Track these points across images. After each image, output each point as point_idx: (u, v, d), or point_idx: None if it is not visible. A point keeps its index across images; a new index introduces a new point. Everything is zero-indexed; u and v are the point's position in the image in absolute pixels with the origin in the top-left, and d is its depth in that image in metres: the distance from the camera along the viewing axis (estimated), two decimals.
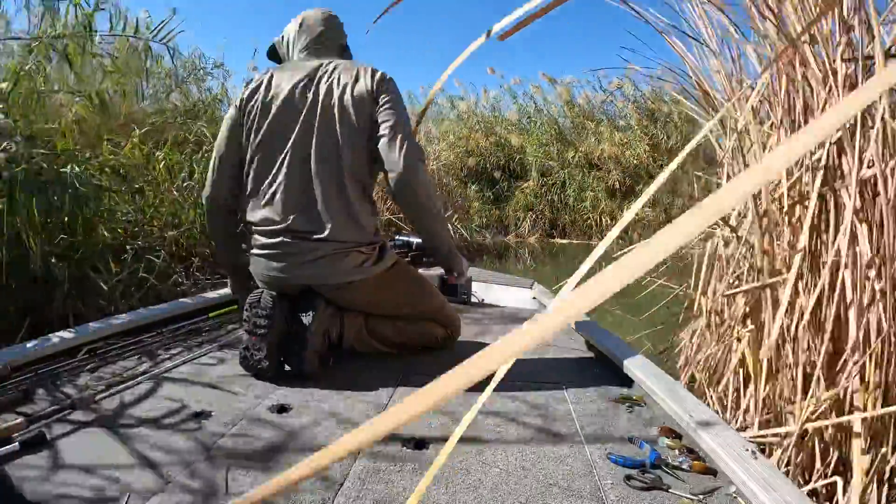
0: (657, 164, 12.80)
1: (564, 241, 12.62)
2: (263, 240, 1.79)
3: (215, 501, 1.04)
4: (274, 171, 1.76)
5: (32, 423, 1.31)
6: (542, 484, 1.14)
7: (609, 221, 12.36)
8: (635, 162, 12.81)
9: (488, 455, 1.25)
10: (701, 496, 1.11)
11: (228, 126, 1.83)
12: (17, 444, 1.18)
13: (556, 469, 1.19)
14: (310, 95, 1.77)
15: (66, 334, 1.86)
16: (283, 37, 2.00)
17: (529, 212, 13.21)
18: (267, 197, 1.77)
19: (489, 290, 3.41)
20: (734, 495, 1.13)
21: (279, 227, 1.75)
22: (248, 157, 1.79)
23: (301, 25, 1.94)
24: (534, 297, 3.27)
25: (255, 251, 1.81)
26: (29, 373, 1.63)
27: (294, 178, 1.76)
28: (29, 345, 1.75)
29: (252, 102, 1.79)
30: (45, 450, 1.20)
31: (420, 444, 1.29)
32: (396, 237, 3.68)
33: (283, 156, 1.76)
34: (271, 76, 1.81)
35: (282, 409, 1.50)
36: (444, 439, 1.30)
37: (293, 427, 1.39)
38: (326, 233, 1.73)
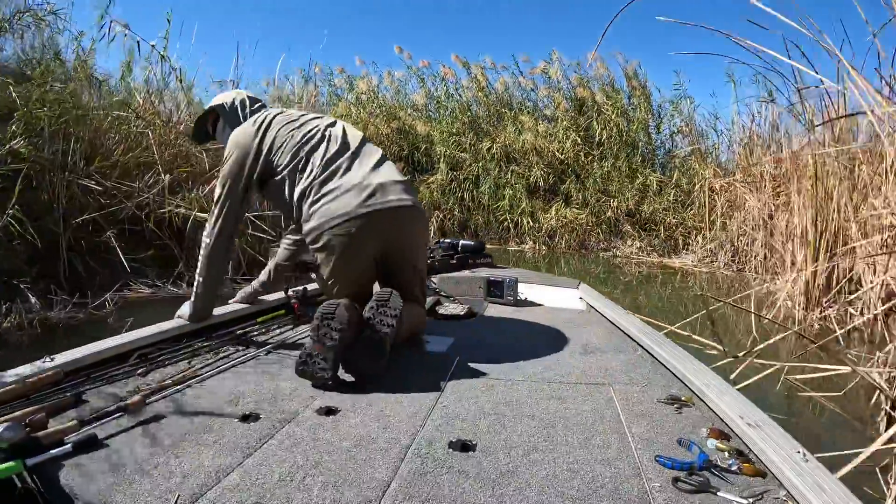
0: (588, 159, 13.09)
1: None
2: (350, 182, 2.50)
3: (263, 502, 1.28)
4: (340, 159, 2.56)
5: (84, 425, 1.57)
6: (590, 486, 1.39)
7: (530, 223, 12.56)
8: (561, 157, 13.06)
9: (535, 457, 1.52)
10: (750, 499, 1.33)
11: (244, 165, 2.56)
12: (69, 445, 1.44)
13: (604, 471, 1.46)
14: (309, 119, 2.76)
15: (119, 340, 2.19)
16: (231, 105, 2.85)
17: (436, 211, 13.26)
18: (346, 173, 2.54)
19: (535, 290, 3.89)
20: (784, 499, 1.36)
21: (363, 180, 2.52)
22: (303, 158, 2.56)
23: (247, 97, 2.89)
24: (580, 297, 3.75)
25: (335, 194, 2.45)
26: (82, 377, 1.94)
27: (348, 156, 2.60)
28: (83, 351, 2.05)
29: (270, 134, 2.61)
30: (96, 451, 1.47)
31: (466, 446, 1.57)
32: (442, 240, 4.27)
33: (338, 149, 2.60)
34: (272, 118, 2.68)
35: (329, 411, 1.79)
36: (491, 442, 1.61)
37: (341, 429, 1.67)
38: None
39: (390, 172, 2.61)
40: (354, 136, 2.72)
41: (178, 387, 1.94)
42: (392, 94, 15.39)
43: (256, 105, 2.87)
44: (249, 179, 2.58)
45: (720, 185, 10.58)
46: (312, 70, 15.50)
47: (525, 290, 3.85)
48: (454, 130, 14.00)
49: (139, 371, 2.06)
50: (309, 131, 2.64)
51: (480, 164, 13.38)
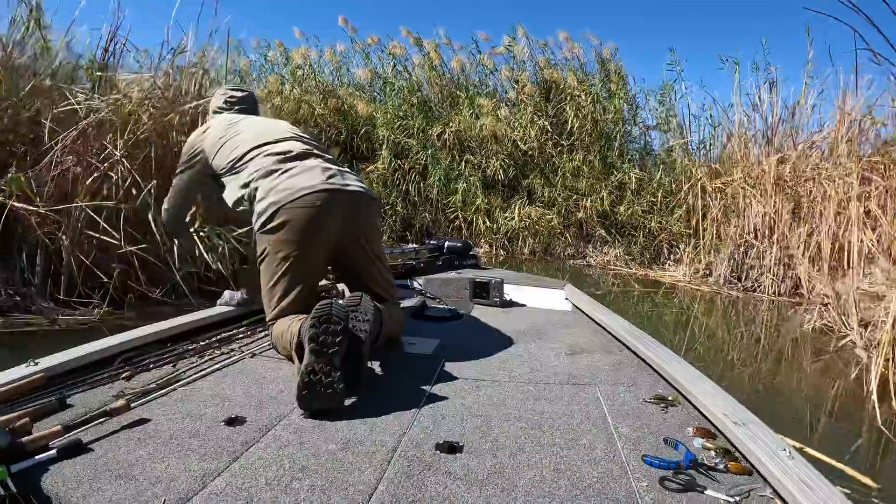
0: (556, 150, 12.95)
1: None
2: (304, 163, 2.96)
3: None
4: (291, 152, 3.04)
5: (69, 430, 1.81)
6: (577, 487, 1.66)
7: (486, 223, 12.32)
8: (524, 147, 12.93)
9: (522, 458, 1.81)
10: (737, 498, 1.60)
11: (190, 158, 3.35)
12: (54, 451, 1.69)
13: (591, 471, 1.74)
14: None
15: (103, 344, 2.47)
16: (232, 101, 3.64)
17: None
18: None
19: (521, 291, 4.40)
20: (771, 496, 1.63)
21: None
22: (252, 148, 3.04)
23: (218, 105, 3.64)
24: (566, 298, 4.27)
25: (296, 171, 2.87)
26: (66, 381, 2.21)
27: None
28: (67, 355, 2.32)
29: (212, 134, 3.27)
30: (81, 456, 1.70)
31: (453, 448, 1.86)
32: (428, 241, 5.23)
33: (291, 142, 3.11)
34: (217, 122, 3.38)
35: (315, 414, 2.07)
36: (478, 443, 1.90)
37: (327, 432, 1.95)
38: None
39: (343, 167, 3.08)
40: (300, 132, 3.32)
41: (164, 390, 2.21)
42: (332, 69, 15.42)
43: (229, 102, 3.63)
44: (192, 168, 3.36)
45: (714, 186, 10.38)
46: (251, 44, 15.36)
47: (511, 291, 4.35)
48: (401, 114, 13.85)
49: (124, 375, 2.33)
50: (255, 124, 3.28)
51: (430, 152, 13.18)
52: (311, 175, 2.82)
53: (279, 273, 2.75)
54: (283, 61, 15.52)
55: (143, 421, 1.96)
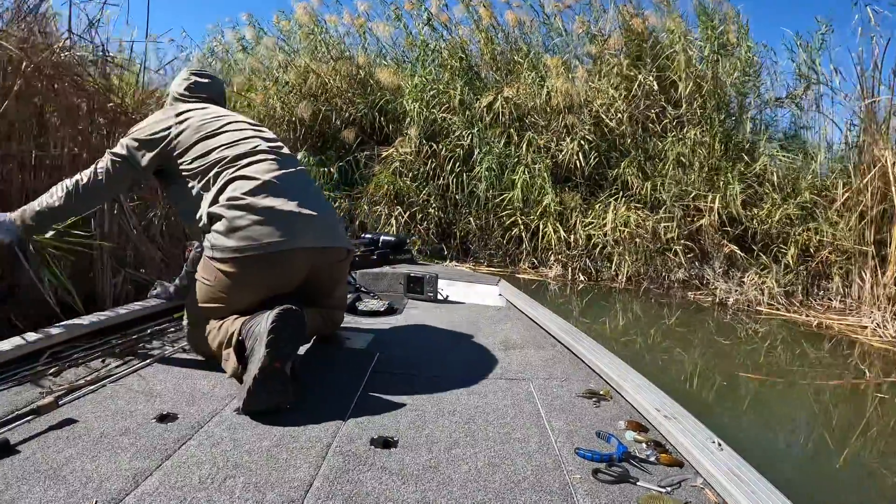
0: (660, 125, 12.43)
1: (465, 268, 12.05)
2: (268, 202, 3.42)
3: None
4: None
5: None
6: (512, 480, 2.20)
7: (559, 232, 11.79)
8: (611, 122, 12.60)
9: (457, 452, 2.44)
10: (668, 488, 2.12)
11: (148, 138, 3.73)
12: None
13: (525, 465, 2.33)
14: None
15: (29, 337, 3.08)
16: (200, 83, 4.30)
17: (398, 207, 12.90)
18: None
19: (455, 287, 5.57)
20: (701, 486, 2.15)
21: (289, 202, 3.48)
22: (225, 160, 3.62)
23: (181, 90, 4.28)
24: (500, 294, 5.43)
25: (267, 216, 3.36)
26: None
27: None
28: None
29: (185, 125, 3.78)
30: (8, 456, 2.17)
31: (388, 443, 2.50)
32: (363, 235, 6.70)
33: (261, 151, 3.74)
34: (193, 111, 3.91)
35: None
36: (413, 438, 2.53)
37: (261, 428, 2.55)
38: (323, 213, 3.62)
39: (321, 202, 3.71)
40: (280, 147, 3.90)
41: (93, 387, 2.87)
42: (349, 32, 16.01)
43: (190, 89, 4.28)
44: (146, 149, 3.72)
45: None
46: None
47: (445, 287, 5.59)
48: (442, 87, 13.66)
49: (51, 371, 2.99)
50: (232, 129, 3.84)
51: (475, 131, 12.86)
52: (280, 227, 3.32)
53: (213, 305, 3.40)
54: (298, 30, 16.22)
55: (71, 419, 2.51)
